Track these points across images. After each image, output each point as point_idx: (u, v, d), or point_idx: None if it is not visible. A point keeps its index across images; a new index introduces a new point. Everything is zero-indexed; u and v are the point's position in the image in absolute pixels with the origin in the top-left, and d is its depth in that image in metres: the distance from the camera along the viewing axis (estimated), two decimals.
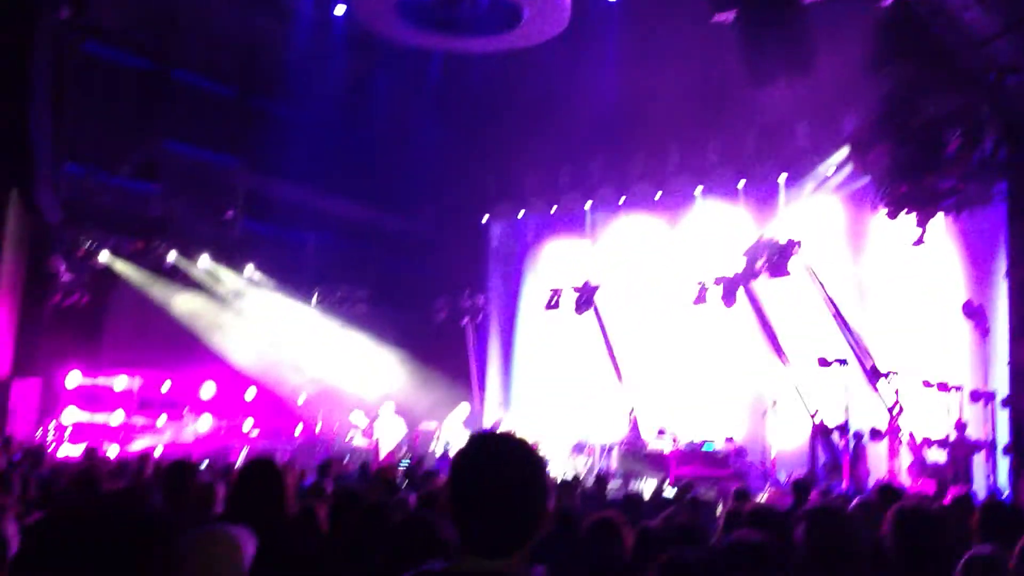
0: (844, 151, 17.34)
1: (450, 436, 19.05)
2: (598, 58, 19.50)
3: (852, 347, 16.45)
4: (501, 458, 2.02)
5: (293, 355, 22.38)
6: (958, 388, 15.77)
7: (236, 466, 10.79)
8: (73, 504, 4.77)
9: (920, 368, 17.32)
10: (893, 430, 15.50)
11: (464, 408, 18.94)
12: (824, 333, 18.45)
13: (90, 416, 19.41)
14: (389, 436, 19.02)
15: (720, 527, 6.29)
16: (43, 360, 19.16)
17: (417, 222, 23.39)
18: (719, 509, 8.80)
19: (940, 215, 15.39)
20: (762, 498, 13.79)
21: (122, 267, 19.90)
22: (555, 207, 22.86)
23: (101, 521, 2.82)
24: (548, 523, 2.13)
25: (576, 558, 3.24)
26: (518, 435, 2.10)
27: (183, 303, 20.78)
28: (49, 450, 16.04)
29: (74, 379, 19.19)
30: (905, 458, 15.40)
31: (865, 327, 17.71)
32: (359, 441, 19.86)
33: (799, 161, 18.67)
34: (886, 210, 15.65)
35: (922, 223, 15.42)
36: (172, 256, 20.58)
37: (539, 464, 2.04)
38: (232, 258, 21.51)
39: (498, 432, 2.10)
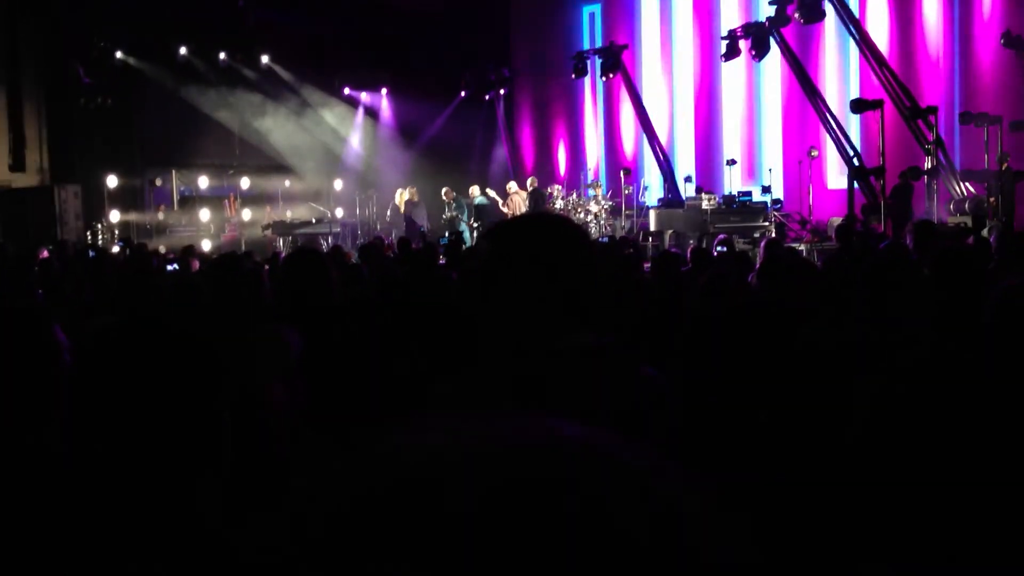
0: None
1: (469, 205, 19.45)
2: None
3: (888, 86, 16.00)
4: (539, 231, 1.75)
5: (322, 143, 22.33)
6: (999, 119, 15.46)
7: (281, 256, 11.02)
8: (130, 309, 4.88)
9: (960, 102, 16.96)
10: (931, 167, 15.32)
11: (475, 189, 19.43)
12: (859, 76, 18.01)
13: (134, 215, 19.76)
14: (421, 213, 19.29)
15: (755, 278, 6.39)
16: (81, 165, 19.35)
17: None
18: (757, 261, 8.90)
19: None
20: (800, 246, 13.96)
21: (140, 65, 19.62)
22: None
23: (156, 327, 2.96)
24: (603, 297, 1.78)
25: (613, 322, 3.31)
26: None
27: (209, 98, 20.56)
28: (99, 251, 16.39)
29: (113, 181, 19.35)
30: (943, 194, 15.31)
31: (902, 64, 17.18)
32: (396, 221, 20.13)
33: None
34: None
35: None
36: (183, 51, 20.17)
37: (580, 232, 1.80)
38: (248, 49, 21.06)
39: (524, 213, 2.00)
